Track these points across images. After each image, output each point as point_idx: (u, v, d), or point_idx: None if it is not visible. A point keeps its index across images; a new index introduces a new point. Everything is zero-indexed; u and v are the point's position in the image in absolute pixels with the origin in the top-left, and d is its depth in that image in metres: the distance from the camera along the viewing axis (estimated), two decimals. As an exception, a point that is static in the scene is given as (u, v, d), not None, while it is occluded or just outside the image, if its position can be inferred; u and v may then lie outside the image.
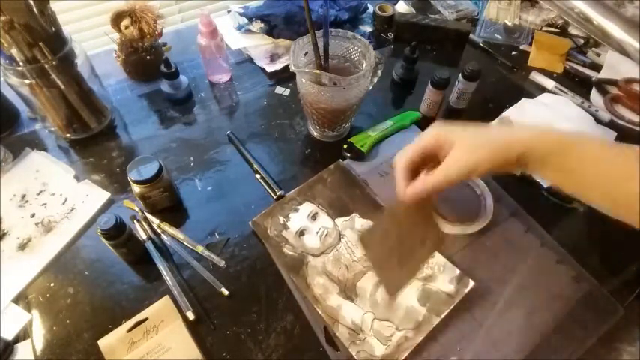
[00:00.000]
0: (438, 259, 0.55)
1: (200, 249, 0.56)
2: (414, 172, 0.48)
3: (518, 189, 0.63)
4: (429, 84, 0.69)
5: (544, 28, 0.90)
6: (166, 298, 0.52)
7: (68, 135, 0.67)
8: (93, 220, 0.60)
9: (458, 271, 0.54)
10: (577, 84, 0.80)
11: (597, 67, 0.82)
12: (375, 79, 0.60)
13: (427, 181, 0.46)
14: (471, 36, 0.86)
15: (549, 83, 0.79)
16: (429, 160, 0.47)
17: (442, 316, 0.51)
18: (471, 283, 0.53)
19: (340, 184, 0.63)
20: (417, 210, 0.49)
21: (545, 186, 0.64)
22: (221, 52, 0.73)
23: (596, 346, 0.51)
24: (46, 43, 0.56)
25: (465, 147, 0.45)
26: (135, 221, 0.59)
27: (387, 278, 0.50)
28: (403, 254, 0.49)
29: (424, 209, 0.50)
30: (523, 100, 0.72)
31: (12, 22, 0.52)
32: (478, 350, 0.49)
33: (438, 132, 0.46)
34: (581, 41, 0.87)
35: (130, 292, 0.54)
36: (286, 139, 0.70)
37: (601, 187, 0.41)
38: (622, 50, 0.81)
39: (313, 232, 0.58)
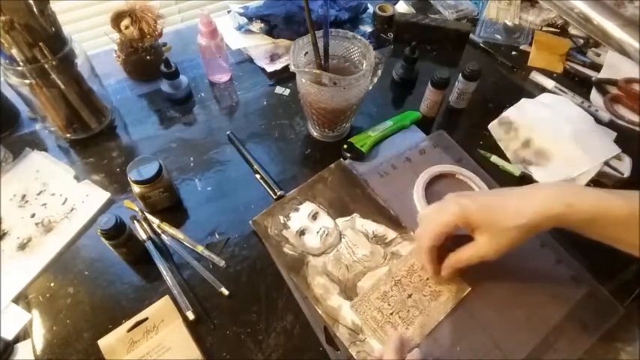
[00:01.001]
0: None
1: (200, 249, 0.56)
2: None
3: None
4: (429, 84, 0.69)
5: (544, 28, 0.90)
6: (166, 298, 0.52)
7: (68, 135, 0.67)
8: (93, 220, 0.59)
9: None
10: (577, 84, 0.80)
11: (597, 67, 0.82)
12: (375, 79, 0.60)
13: (461, 259, 0.48)
14: (471, 36, 0.86)
15: (549, 83, 0.79)
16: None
17: (442, 316, 0.51)
18: (468, 288, 0.53)
19: (341, 184, 0.63)
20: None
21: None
22: (221, 52, 0.73)
23: (596, 346, 0.51)
24: (46, 43, 0.56)
25: (493, 231, 0.45)
26: (135, 221, 0.59)
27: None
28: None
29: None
30: (523, 100, 0.72)
31: (12, 22, 0.52)
32: (478, 350, 0.49)
33: (459, 213, 0.46)
34: (581, 41, 0.87)
35: (130, 292, 0.54)
36: (286, 139, 0.70)
37: (635, 251, 0.42)
38: (622, 50, 0.81)
39: (314, 231, 0.58)
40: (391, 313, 0.51)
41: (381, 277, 0.54)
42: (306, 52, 0.61)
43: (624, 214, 0.40)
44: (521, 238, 0.45)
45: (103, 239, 0.51)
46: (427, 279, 0.54)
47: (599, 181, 0.64)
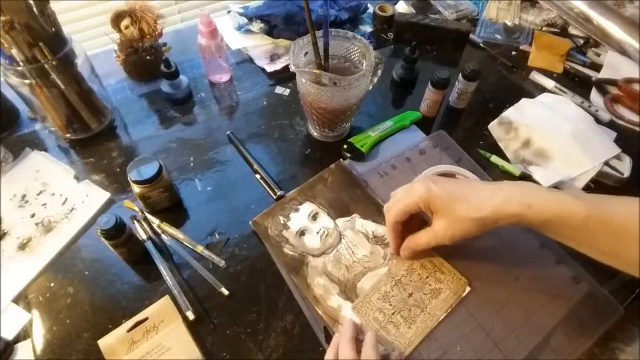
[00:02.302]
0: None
1: (200, 249, 0.56)
2: (405, 221, 0.51)
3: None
4: (429, 84, 0.69)
5: (544, 28, 0.90)
6: (166, 298, 0.52)
7: (68, 135, 0.67)
8: (93, 220, 0.60)
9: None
10: (577, 84, 0.80)
11: (597, 67, 0.82)
12: (375, 79, 0.60)
13: (418, 242, 0.51)
14: (471, 36, 0.86)
15: (549, 83, 0.79)
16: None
17: (441, 316, 0.51)
18: (468, 288, 0.53)
19: (341, 184, 0.63)
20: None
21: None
22: (221, 52, 0.73)
23: (595, 346, 0.51)
24: (46, 43, 0.56)
25: (450, 219, 0.47)
26: (135, 221, 0.59)
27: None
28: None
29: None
30: (523, 100, 0.72)
31: (12, 22, 0.52)
32: (478, 350, 0.49)
33: (424, 196, 0.47)
34: (581, 41, 0.87)
35: (130, 292, 0.54)
36: (286, 139, 0.70)
37: (596, 255, 0.44)
38: (622, 50, 0.81)
39: (314, 232, 0.58)
40: (393, 313, 0.51)
41: (381, 277, 0.54)
42: (306, 52, 0.61)
43: (580, 218, 0.41)
44: (477, 230, 0.45)
45: (103, 239, 0.51)
46: (426, 277, 0.54)
47: (600, 181, 0.64)
